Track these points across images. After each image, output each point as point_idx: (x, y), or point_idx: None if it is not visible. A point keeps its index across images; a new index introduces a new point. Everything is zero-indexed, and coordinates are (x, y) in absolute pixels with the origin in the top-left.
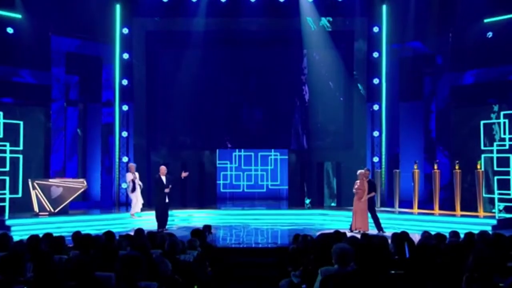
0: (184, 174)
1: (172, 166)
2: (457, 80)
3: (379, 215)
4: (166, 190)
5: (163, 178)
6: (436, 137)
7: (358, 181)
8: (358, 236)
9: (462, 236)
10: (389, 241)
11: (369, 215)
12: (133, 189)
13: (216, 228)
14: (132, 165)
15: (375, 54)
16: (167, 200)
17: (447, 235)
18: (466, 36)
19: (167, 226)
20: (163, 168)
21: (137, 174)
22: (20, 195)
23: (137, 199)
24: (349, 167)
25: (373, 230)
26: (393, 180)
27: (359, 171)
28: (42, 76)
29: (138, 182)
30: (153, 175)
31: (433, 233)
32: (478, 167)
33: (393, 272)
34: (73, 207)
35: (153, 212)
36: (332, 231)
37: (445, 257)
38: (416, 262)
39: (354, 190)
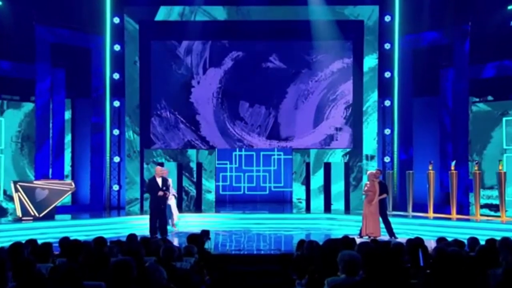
0: (160, 193)
1: (168, 167)
2: (476, 73)
3: (391, 219)
4: (160, 193)
5: (159, 180)
6: (453, 135)
7: (367, 182)
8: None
9: (482, 243)
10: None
11: (380, 219)
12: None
13: (215, 234)
14: (164, 170)
15: (387, 46)
16: (162, 206)
17: (465, 241)
18: (488, 25)
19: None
20: (158, 169)
21: (170, 181)
22: (1, 198)
23: (171, 209)
24: (358, 168)
25: (384, 236)
26: (406, 182)
27: (369, 172)
28: (25, 69)
29: (172, 192)
30: (148, 176)
31: (450, 239)
32: (500, 167)
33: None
34: (60, 211)
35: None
36: (340, 236)
37: (463, 266)
38: (431, 271)
39: (363, 192)
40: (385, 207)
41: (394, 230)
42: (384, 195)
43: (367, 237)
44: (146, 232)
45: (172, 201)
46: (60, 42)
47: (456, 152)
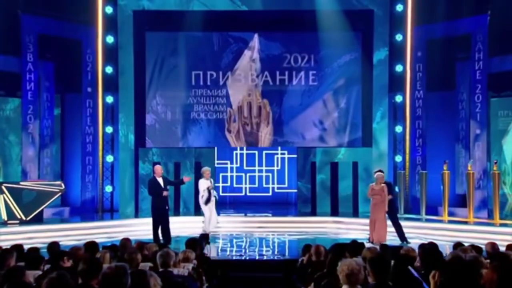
0: (186, 179)
1: (165, 167)
2: (495, 66)
3: (402, 223)
4: (165, 193)
5: (160, 180)
6: (470, 133)
7: (373, 184)
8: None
9: (502, 249)
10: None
11: (389, 223)
12: (208, 200)
13: (214, 238)
14: (207, 170)
15: (398, 37)
16: (167, 207)
17: (483, 247)
18: (508, 14)
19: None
20: (158, 168)
21: (212, 182)
22: None
23: (211, 214)
24: (367, 168)
25: (395, 240)
26: (419, 182)
27: (377, 174)
28: (10, 62)
29: (213, 193)
30: (143, 177)
31: (466, 244)
32: None
33: None
34: (48, 214)
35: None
36: (348, 241)
37: (481, 274)
38: (446, 278)
39: (369, 196)
40: (395, 209)
41: (406, 235)
42: (390, 196)
43: (377, 243)
44: (141, 237)
45: (213, 204)
46: (48, 33)
47: (473, 151)
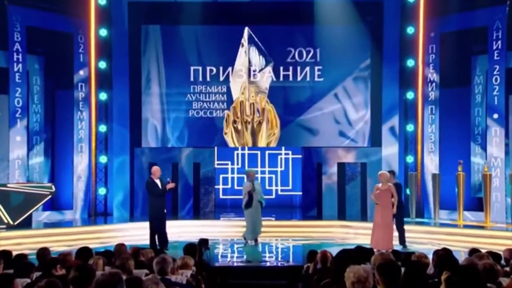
0: (170, 185)
1: (162, 167)
2: None
3: (414, 227)
4: (171, 186)
5: (157, 182)
6: (487, 131)
7: (379, 185)
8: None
9: None
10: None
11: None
12: (248, 204)
13: (214, 243)
14: (250, 172)
15: (410, 30)
16: (166, 210)
17: (502, 254)
18: None
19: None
20: (156, 169)
21: (253, 185)
22: None
23: (251, 220)
24: (377, 169)
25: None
26: (432, 184)
27: (381, 172)
28: None
29: (257, 197)
30: (138, 178)
31: (483, 251)
32: None
33: None
34: (38, 218)
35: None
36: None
37: (499, 283)
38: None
39: (373, 197)
40: (403, 213)
41: (418, 240)
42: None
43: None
44: (136, 242)
45: (255, 209)
46: (38, 26)
47: (490, 150)
